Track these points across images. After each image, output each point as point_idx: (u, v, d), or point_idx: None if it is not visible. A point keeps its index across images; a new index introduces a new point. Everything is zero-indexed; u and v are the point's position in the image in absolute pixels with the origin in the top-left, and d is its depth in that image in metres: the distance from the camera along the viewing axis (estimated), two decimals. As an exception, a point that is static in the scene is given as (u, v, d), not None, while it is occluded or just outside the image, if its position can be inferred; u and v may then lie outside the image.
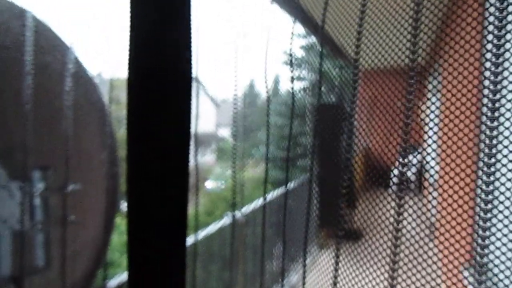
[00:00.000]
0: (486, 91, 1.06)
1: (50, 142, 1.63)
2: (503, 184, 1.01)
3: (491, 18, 1.02)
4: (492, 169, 1.02)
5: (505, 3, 0.99)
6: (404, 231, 1.26)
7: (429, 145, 1.21)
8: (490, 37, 1.03)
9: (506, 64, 0.99)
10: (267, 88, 2.31)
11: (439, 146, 1.25)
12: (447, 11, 1.20)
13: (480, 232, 1.02)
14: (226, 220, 3.07)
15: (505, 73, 0.99)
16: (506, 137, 0.99)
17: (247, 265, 3.45)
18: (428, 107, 1.35)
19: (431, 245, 1.24)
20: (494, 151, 1.01)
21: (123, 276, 2.07)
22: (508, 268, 0.98)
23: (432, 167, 1.32)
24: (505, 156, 0.99)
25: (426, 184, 1.44)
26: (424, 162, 1.23)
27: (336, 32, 1.68)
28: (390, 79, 1.51)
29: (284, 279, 3.96)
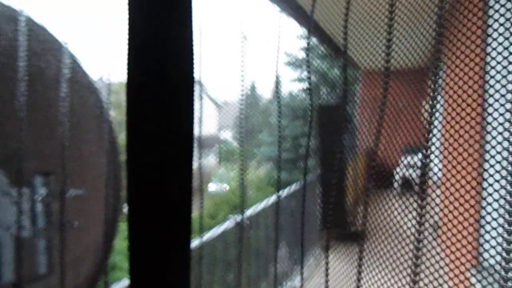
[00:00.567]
0: (491, 90, 1.05)
1: (51, 148, 1.62)
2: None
3: (496, 15, 1.01)
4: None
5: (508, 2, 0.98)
6: (408, 231, 1.25)
7: (433, 145, 1.20)
8: (495, 35, 1.02)
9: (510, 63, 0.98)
10: (278, 89, 2.30)
11: (442, 146, 1.24)
12: (450, 8, 1.19)
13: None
14: (229, 223, 3.07)
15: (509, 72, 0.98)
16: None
17: (251, 268, 3.44)
18: (431, 107, 1.34)
19: (434, 244, 1.23)
20: None
21: (126, 282, 2.07)
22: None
23: (435, 165, 1.31)
24: None
25: (430, 183, 1.43)
26: (428, 161, 1.22)
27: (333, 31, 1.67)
28: (392, 79, 1.50)
29: (287, 281, 3.95)
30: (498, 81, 1.03)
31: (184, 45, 0.43)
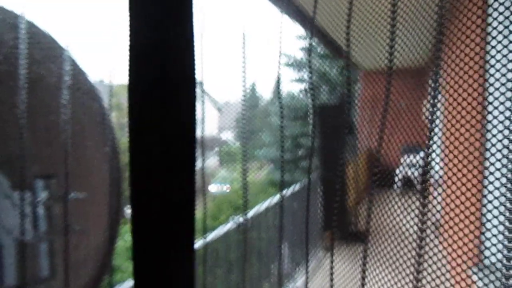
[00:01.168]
0: (491, 89, 1.05)
1: (53, 152, 1.63)
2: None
3: (495, 14, 1.01)
4: None
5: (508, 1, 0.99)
6: (410, 230, 1.25)
7: (434, 144, 1.20)
8: (494, 33, 1.03)
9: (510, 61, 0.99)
10: (279, 90, 2.30)
11: (443, 144, 1.24)
12: (450, 7, 1.20)
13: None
14: (231, 224, 3.06)
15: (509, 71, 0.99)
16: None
17: (253, 268, 3.44)
18: (432, 106, 1.34)
19: (436, 242, 1.23)
20: None
21: (129, 283, 2.07)
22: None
23: (437, 164, 1.31)
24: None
25: (431, 183, 1.43)
26: (430, 161, 1.23)
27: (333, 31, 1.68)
28: (393, 78, 1.50)
29: (290, 282, 3.95)
30: (498, 79, 1.03)
31: (185, 47, 0.43)
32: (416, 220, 1.23)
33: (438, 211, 1.30)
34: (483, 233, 1.06)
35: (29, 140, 1.49)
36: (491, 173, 1.05)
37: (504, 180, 0.98)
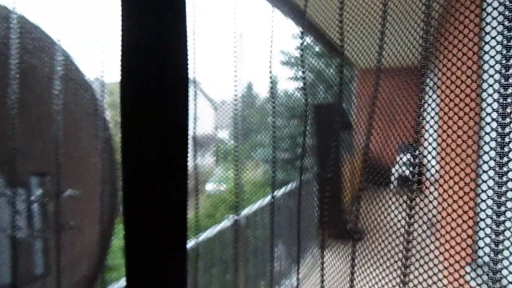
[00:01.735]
0: (485, 86, 1.05)
1: (47, 148, 1.62)
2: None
3: (490, 10, 1.02)
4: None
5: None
6: (405, 229, 1.25)
7: (429, 143, 1.20)
8: (488, 29, 1.03)
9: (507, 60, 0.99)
10: (271, 88, 2.31)
11: (439, 144, 1.24)
12: (446, 5, 1.20)
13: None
14: (226, 223, 3.07)
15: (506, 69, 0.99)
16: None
17: (248, 267, 3.45)
18: (428, 104, 1.35)
19: (431, 241, 1.24)
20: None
21: (124, 282, 2.05)
22: None
23: (431, 165, 1.31)
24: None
25: (426, 182, 1.44)
26: (425, 160, 1.23)
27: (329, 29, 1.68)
28: (389, 77, 1.51)
29: (285, 279, 3.95)
30: (492, 75, 1.04)
31: (177, 46, 0.43)
32: (411, 218, 1.23)
33: (433, 208, 1.30)
34: (477, 232, 1.07)
35: (23, 136, 1.48)
36: (485, 172, 1.05)
37: (497, 178, 0.98)
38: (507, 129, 0.97)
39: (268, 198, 3.72)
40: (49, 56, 1.62)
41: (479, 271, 1.02)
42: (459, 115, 1.13)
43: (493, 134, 1.01)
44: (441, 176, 1.20)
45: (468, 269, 1.11)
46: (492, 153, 1.01)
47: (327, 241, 1.96)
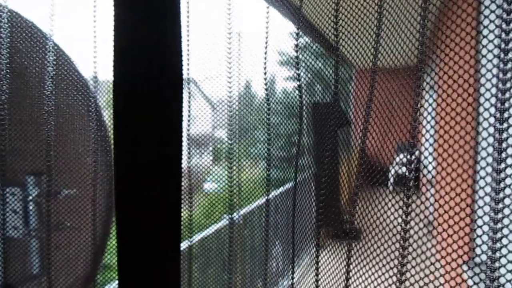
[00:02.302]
0: (482, 85, 1.05)
1: (43, 147, 1.61)
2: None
3: (487, 12, 1.02)
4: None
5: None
6: (403, 228, 1.25)
7: (426, 140, 1.20)
8: (486, 31, 1.03)
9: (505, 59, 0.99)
10: (266, 86, 2.31)
11: (436, 140, 1.24)
12: (442, 6, 1.20)
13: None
14: (223, 222, 3.06)
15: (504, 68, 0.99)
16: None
17: (245, 266, 3.45)
18: (424, 103, 1.35)
19: (431, 242, 1.24)
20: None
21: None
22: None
23: (428, 162, 1.31)
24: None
25: (424, 181, 1.44)
26: (422, 159, 1.23)
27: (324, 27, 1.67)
28: (386, 77, 1.51)
29: (283, 279, 3.95)
30: (489, 76, 1.03)
31: (171, 45, 0.42)
32: (408, 218, 1.23)
33: (429, 208, 1.30)
34: (474, 230, 1.07)
35: (18, 135, 1.47)
36: (482, 168, 1.05)
37: (495, 174, 0.98)
38: (504, 125, 0.97)
39: (265, 198, 3.71)
40: (43, 54, 1.61)
41: (477, 270, 1.02)
42: (457, 110, 1.13)
43: (491, 130, 1.01)
44: (438, 173, 1.20)
45: (465, 267, 1.11)
46: (490, 149, 1.01)
47: (324, 241, 1.96)
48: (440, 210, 1.16)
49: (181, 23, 0.44)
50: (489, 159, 1.02)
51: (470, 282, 1.09)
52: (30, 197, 1.54)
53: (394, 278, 1.25)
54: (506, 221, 0.98)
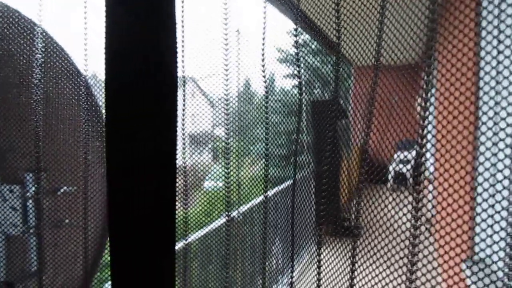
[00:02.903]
0: (482, 84, 1.05)
1: (43, 144, 1.61)
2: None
3: (488, 9, 1.01)
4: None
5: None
6: (402, 226, 1.25)
7: (426, 138, 1.20)
8: (486, 31, 1.02)
9: (503, 58, 0.98)
10: (265, 84, 2.30)
11: (434, 136, 1.24)
12: (443, 2, 1.19)
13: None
14: (222, 219, 3.06)
15: (502, 67, 0.98)
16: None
17: (244, 263, 3.45)
18: (424, 102, 1.34)
19: (429, 238, 1.23)
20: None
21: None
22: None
23: (427, 160, 1.31)
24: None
25: (422, 177, 1.43)
26: (422, 156, 1.22)
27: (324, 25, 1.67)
28: (386, 74, 1.50)
29: (282, 277, 3.96)
30: (489, 72, 1.03)
31: (165, 42, 0.42)
32: (408, 215, 1.23)
33: (430, 204, 1.30)
34: (473, 228, 1.06)
35: (17, 133, 1.47)
36: (481, 164, 1.05)
37: (495, 171, 0.98)
38: (503, 124, 0.96)
39: (264, 195, 3.71)
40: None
41: (475, 268, 1.02)
42: (455, 105, 1.13)
43: (490, 124, 1.01)
44: (436, 169, 1.20)
45: (463, 266, 1.11)
46: (489, 144, 1.00)
47: (324, 238, 1.96)
48: (442, 208, 1.15)
49: (176, 20, 0.44)
50: (488, 154, 1.02)
51: (468, 281, 1.09)
52: (28, 194, 1.54)
53: (396, 274, 1.25)
54: (504, 217, 0.97)
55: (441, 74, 1.22)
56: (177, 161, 0.42)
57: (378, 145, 1.59)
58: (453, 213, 1.13)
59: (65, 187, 1.64)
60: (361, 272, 1.48)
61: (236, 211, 3.21)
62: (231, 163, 3.20)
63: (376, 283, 1.41)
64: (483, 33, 1.04)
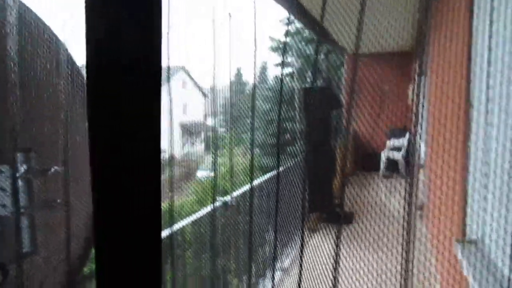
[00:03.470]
0: (474, 72, 1.06)
1: (33, 124, 1.58)
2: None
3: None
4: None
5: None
6: (394, 211, 1.26)
7: (419, 124, 1.21)
8: (478, 20, 1.03)
9: (495, 45, 0.99)
10: (254, 72, 2.30)
11: (427, 120, 1.25)
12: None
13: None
14: (214, 207, 3.07)
15: (494, 54, 0.99)
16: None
17: (237, 250, 3.47)
18: (417, 90, 1.35)
19: (420, 222, 1.25)
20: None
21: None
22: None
23: (420, 145, 1.32)
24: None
25: (416, 164, 1.45)
26: (414, 143, 1.24)
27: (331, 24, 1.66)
28: (378, 62, 1.51)
29: (275, 263, 3.99)
30: (482, 61, 1.04)
31: (149, 34, 0.41)
32: (400, 200, 1.24)
33: (420, 189, 1.31)
34: (465, 211, 1.08)
35: (8, 112, 1.45)
36: (473, 152, 1.06)
37: (484, 157, 0.99)
38: (496, 110, 0.98)
39: (255, 183, 3.72)
40: (42, 40, 1.57)
41: (469, 246, 1.04)
42: (448, 94, 1.14)
43: (482, 116, 1.02)
44: (429, 155, 1.21)
45: (457, 247, 1.13)
46: (481, 133, 1.02)
47: (316, 225, 1.97)
48: (435, 193, 1.17)
49: (161, 11, 0.43)
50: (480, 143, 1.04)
51: (462, 259, 1.11)
52: (19, 174, 1.52)
53: (389, 255, 1.27)
54: (496, 199, 0.99)
55: (433, 60, 1.23)
56: (165, 154, 0.42)
57: (370, 133, 1.61)
58: (447, 197, 1.14)
59: (55, 167, 1.62)
60: (353, 256, 1.50)
61: (227, 198, 3.22)
62: (225, 152, 3.20)
63: (371, 264, 1.43)
64: (475, 17, 1.05)
